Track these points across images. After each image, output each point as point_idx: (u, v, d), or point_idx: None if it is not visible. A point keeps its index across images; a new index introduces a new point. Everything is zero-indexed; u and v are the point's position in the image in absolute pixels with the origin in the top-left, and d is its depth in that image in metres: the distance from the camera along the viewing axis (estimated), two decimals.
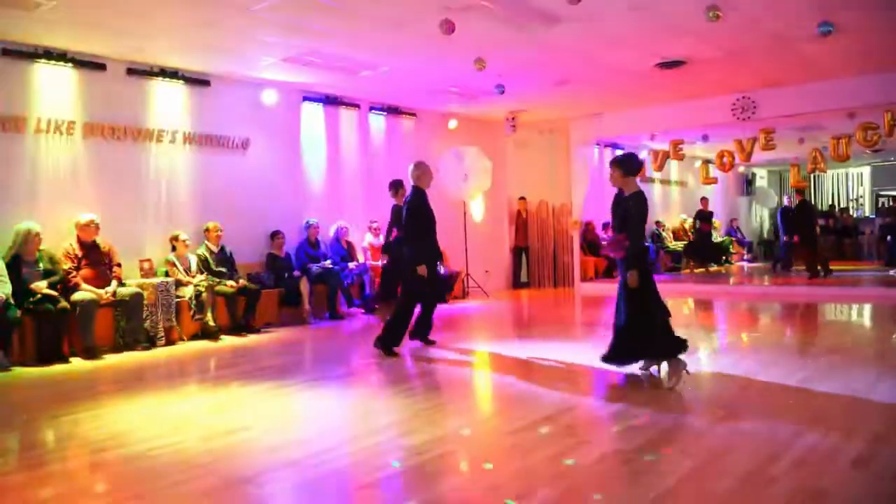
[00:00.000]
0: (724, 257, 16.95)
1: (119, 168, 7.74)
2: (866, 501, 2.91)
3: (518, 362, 5.98)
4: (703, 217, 15.02)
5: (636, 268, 4.87)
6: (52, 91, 7.23)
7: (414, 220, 6.51)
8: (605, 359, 5.13)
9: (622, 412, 4.27)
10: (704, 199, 15.38)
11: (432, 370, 5.83)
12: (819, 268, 12.58)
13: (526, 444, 3.66)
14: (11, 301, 6.24)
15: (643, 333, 4.89)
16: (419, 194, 6.58)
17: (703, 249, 15.03)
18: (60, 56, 7.22)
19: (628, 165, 5.09)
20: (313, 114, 9.83)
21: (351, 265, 9.54)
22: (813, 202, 20.71)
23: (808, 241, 12.99)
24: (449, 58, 7.95)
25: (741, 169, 19.15)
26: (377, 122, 10.69)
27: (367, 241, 10.16)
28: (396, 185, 8.45)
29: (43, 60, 7.12)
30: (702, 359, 6.05)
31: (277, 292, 8.71)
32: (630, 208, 4.95)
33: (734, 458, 3.33)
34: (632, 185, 5.05)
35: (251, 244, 8.92)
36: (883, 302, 9.63)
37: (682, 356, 4.83)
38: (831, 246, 17.63)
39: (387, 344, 6.39)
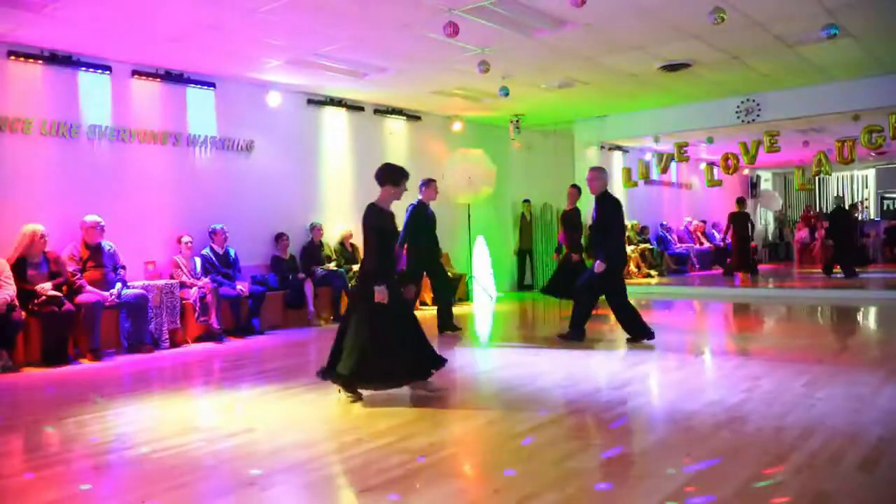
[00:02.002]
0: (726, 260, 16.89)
1: (124, 170, 7.76)
2: None
3: (522, 364, 5.97)
4: (736, 219, 13.64)
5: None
6: (57, 92, 7.25)
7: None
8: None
9: (627, 414, 4.26)
10: (740, 199, 14.12)
11: (437, 373, 5.80)
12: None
13: (531, 447, 3.66)
14: (16, 303, 6.26)
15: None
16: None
17: (739, 254, 13.72)
18: (65, 58, 7.25)
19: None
20: (318, 116, 9.84)
21: (355, 268, 9.53)
22: (817, 204, 20.70)
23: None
24: (454, 60, 7.96)
25: (746, 171, 19.12)
26: (381, 124, 10.70)
27: None
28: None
29: (48, 62, 7.14)
30: (706, 361, 6.05)
31: (282, 294, 8.72)
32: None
33: (739, 461, 3.32)
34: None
35: (256, 246, 8.93)
36: (888, 303, 9.61)
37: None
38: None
39: (581, 324, 6.80)
